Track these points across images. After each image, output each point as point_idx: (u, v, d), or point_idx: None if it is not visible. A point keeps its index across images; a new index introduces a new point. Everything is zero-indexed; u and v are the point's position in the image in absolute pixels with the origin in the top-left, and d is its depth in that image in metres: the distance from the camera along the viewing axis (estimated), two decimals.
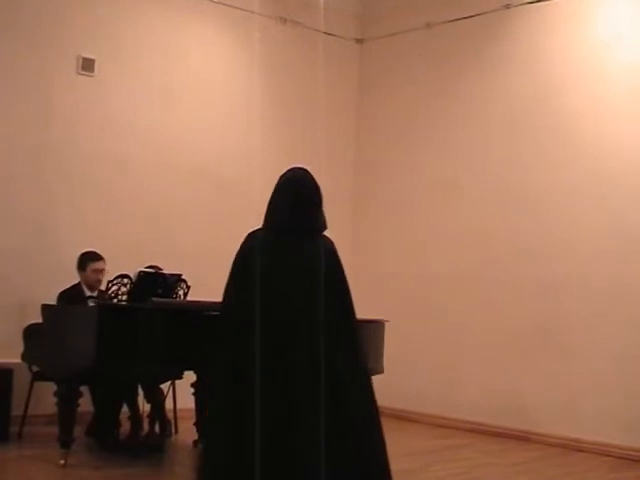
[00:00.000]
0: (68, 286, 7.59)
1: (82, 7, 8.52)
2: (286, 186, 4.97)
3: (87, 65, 8.52)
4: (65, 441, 6.37)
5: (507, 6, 9.16)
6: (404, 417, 9.57)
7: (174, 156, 9.07)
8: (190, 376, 7.42)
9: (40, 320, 7.33)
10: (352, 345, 4.83)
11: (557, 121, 8.76)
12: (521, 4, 9.08)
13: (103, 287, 7.19)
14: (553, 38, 8.92)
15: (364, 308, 9.14)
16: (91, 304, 7.26)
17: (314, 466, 4.43)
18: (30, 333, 7.36)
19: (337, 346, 4.68)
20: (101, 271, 7.62)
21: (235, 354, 4.65)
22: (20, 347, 7.37)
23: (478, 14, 9.39)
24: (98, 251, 7.70)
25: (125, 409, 7.55)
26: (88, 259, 7.70)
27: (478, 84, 9.52)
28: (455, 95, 9.74)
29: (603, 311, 8.27)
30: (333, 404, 4.56)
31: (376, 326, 6.50)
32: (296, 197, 4.89)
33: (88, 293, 7.61)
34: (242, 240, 4.94)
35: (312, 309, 4.68)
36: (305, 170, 5.10)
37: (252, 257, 4.77)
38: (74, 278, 7.69)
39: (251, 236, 4.92)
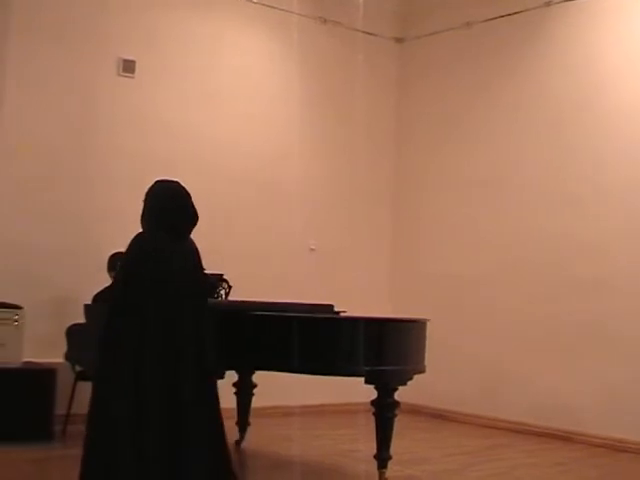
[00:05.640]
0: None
1: (122, 10, 8.58)
2: (170, 193, 5.53)
3: (128, 67, 8.59)
4: None
5: (547, 3, 9.10)
6: (445, 417, 9.55)
7: (214, 156, 9.11)
8: (232, 376, 7.46)
9: (83, 320, 7.41)
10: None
11: (600, 119, 8.69)
12: (562, 1, 9.01)
13: None
14: (595, 35, 8.85)
15: (405, 308, 9.18)
16: None
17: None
18: (73, 333, 7.43)
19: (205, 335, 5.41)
20: None
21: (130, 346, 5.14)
22: (63, 347, 7.44)
23: (518, 12, 9.33)
24: None
25: None
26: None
27: (519, 83, 9.46)
28: (496, 94, 9.69)
29: None
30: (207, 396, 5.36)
31: (418, 325, 6.46)
32: (183, 203, 5.50)
33: None
34: (131, 241, 5.42)
35: (192, 304, 5.36)
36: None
37: (144, 257, 5.32)
38: None
39: (139, 238, 5.41)
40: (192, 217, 5.50)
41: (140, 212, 5.53)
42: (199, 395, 5.26)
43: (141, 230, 5.46)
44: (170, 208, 5.46)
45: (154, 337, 5.15)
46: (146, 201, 5.53)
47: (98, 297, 7.52)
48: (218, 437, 5.37)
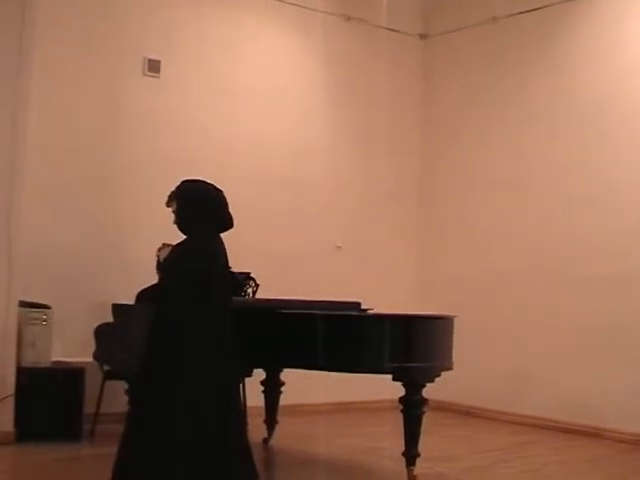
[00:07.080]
0: (147, 285, 7.65)
1: (147, 9, 8.61)
2: (215, 194, 5.62)
3: (153, 66, 8.62)
4: None
5: None
6: (474, 414, 9.53)
7: (239, 155, 9.12)
8: (260, 374, 7.48)
9: (111, 320, 7.44)
10: None
11: (624, 116, 8.63)
12: None
13: None
14: (620, 30, 8.78)
15: (431, 305, 9.16)
16: None
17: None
18: (101, 333, 7.46)
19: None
20: None
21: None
22: (92, 346, 7.47)
23: (543, 7, 9.27)
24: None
25: None
26: None
27: (545, 79, 9.40)
28: (521, 90, 9.64)
29: None
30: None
31: (445, 322, 6.45)
32: (223, 210, 5.66)
33: None
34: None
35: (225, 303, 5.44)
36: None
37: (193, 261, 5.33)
38: (143, 277, 7.74)
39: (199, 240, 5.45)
40: (229, 225, 5.65)
41: (172, 213, 5.52)
42: (234, 392, 5.30)
43: (177, 230, 5.46)
44: (212, 214, 5.53)
45: (198, 338, 5.12)
46: (182, 202, 5.51)
47: (142, 295, 7.54)
48: (243, 436, 5.35)
